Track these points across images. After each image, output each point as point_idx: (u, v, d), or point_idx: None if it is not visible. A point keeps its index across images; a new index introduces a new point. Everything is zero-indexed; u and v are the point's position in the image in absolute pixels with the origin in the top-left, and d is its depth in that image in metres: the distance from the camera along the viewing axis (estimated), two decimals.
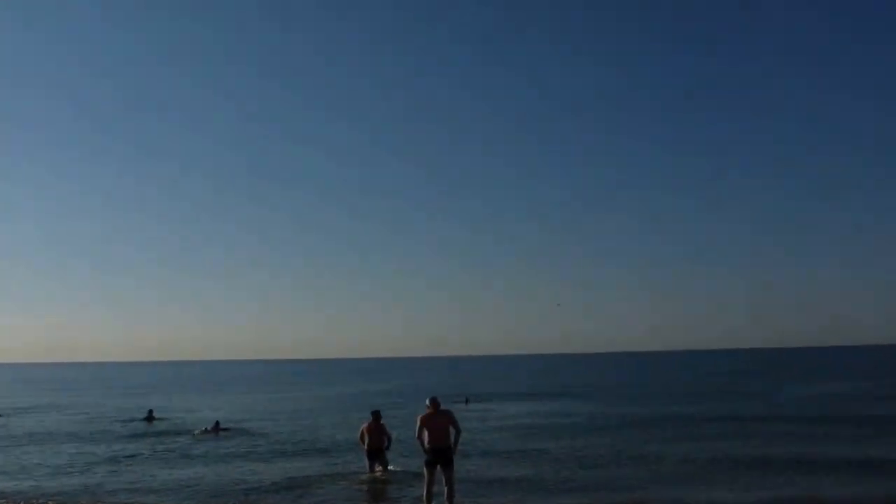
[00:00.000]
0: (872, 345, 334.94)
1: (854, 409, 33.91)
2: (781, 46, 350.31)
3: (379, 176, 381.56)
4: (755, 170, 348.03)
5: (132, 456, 23.64)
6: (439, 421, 14.36)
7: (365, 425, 18.87)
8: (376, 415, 18.97)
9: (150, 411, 37.33)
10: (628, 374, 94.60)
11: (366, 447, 18.68)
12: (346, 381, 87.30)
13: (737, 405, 38.25)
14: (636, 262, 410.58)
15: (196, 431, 29.86)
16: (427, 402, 14.68)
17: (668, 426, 28.73)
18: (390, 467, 18.80)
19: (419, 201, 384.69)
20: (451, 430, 14.35)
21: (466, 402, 45.33)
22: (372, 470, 18.59)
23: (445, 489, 14.15)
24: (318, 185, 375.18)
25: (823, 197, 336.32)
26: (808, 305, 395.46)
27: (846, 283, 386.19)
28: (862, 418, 29.87)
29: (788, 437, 24.39)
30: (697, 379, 73.53)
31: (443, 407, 14.67)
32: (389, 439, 18.96)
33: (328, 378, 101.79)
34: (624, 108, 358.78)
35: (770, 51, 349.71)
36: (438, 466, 14.19)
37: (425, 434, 14.26)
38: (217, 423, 30.65)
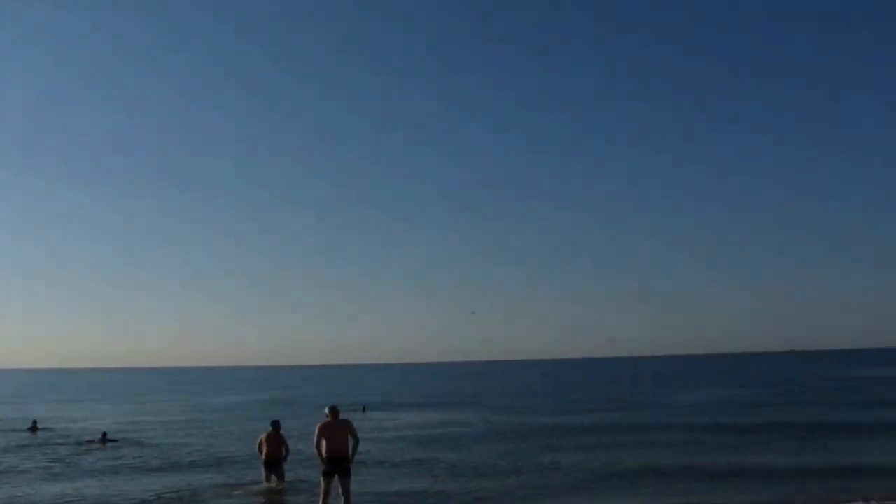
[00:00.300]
0: (769, 352, 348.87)
1: (741, 417, 34.85)
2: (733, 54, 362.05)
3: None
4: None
5: (13, 468, 22.55)
6: (338, 430, 14.13)
7: (264, 435, 18.55)
8: (276, 425, 18.68)
9: (34, 421, 35.77)
10: (529, 381, 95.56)
11: (263, 457, 18.34)
12: (243, 390, 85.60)
13: (631, 414, 39.02)
14: (549, 271, 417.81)
15: (83, 442, 28.73)
16: (326, 410, 14.44)
17: (564, 435, 29.02)
18: (287, 477, 18.46)
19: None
20: (350, 440, 14.15)
21: (364, 410, 45.05)
22: (268, 480, 18.26)
23: (342, 499, 13.93)
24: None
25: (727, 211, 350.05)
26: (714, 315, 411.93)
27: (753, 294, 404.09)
28: (747, 426, 30.68)
29: (678, 446, 24.84)
30: (596, 387, 74.75)
31: (342, 416, 14.45)
32: (287, 450, 18.65)
33: (224, 386, 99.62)
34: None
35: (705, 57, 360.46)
36: (336, 476, 13.96)
37: (323, 443, 14.01)
38: (104, 434, 29.53)
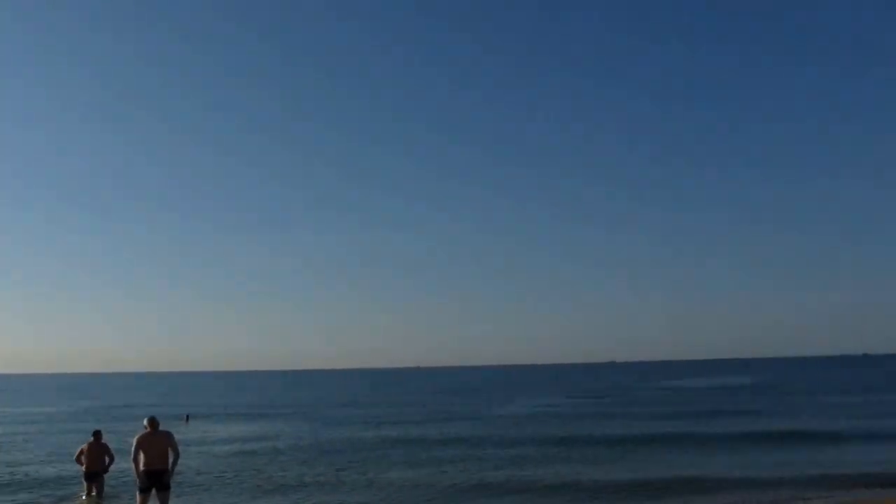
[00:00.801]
0: (593, 363, 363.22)
1: (565, 428, 35.63)
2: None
3: None
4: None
5: None
6: (157, 442, 13.62)
7: (84, 446, 17.72)
8: (97, 435, 17.87)
9: None
10: (358, 391, 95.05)
11: (84, 468, 17.52)
12: (57, 400, 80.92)
13: (458, 425, 39.30)
14: (374, 281, 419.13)
15: None
16: (145, 421, 13.89)
17: (389, 448, 28.94)
18: (105, 492, 17.65)
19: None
20: (170, 453, 13.66)
21: (187, 419, 43.66)
22: (89, 493, 17.43)
23: None
24: None
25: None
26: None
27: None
28: (571, 438, 31.39)
29: (505, 459, 25.11)
30: (422, 397, 75.12)
31: (162, 427, 13.93)
32: (111, 459, 17.85)
33: (36, 396, 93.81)
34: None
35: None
36: (153, 491, 13.45)
37: (141, 456, 13.46)
38: None
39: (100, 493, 17.59)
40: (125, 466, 18.68)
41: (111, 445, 18.27)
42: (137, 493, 13.56)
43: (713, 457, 25.07)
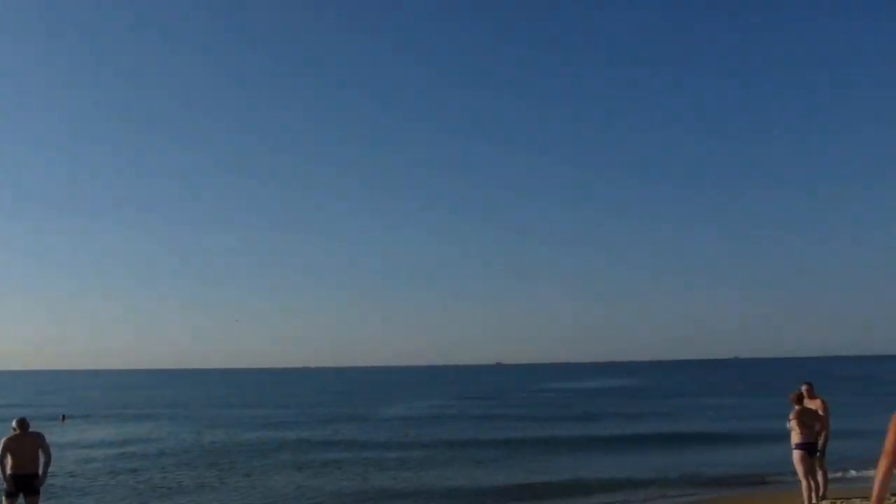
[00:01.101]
0: (479, 364, 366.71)
1: (449, 431, 35.83)
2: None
3: None
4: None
5: None
6: (26, 444, 13.11)
7: None
8: None
9: None
10: (251, 390, 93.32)
11: None
12: None
13: (345, 427, 39.09)
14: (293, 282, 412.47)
15: None
16: (13, 423, 13.35)
17: (276, 452, 28.50)
18: None
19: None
20: (41, 455, 13.19)
21: (63, 419, 42.17)
22: None
23: None
24: None
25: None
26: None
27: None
28: (456, 441, 31.57)
29: (389, 462, 25.23)
30: (309, 398, 74.21)
31: (32, 429, 13.43)
32: None
33: None
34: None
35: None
36: (21, 496, 12.97)
37: (9, 459, 12.95)
38: None
39: None
40: None
41: None
42: (3, 498, 13.04)
43: (592, 459, 25.78)
